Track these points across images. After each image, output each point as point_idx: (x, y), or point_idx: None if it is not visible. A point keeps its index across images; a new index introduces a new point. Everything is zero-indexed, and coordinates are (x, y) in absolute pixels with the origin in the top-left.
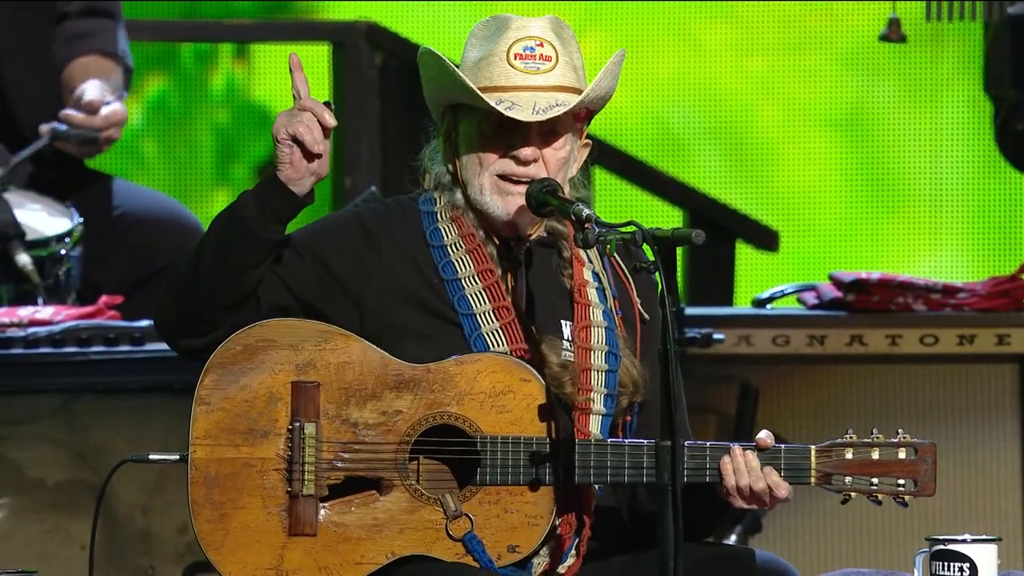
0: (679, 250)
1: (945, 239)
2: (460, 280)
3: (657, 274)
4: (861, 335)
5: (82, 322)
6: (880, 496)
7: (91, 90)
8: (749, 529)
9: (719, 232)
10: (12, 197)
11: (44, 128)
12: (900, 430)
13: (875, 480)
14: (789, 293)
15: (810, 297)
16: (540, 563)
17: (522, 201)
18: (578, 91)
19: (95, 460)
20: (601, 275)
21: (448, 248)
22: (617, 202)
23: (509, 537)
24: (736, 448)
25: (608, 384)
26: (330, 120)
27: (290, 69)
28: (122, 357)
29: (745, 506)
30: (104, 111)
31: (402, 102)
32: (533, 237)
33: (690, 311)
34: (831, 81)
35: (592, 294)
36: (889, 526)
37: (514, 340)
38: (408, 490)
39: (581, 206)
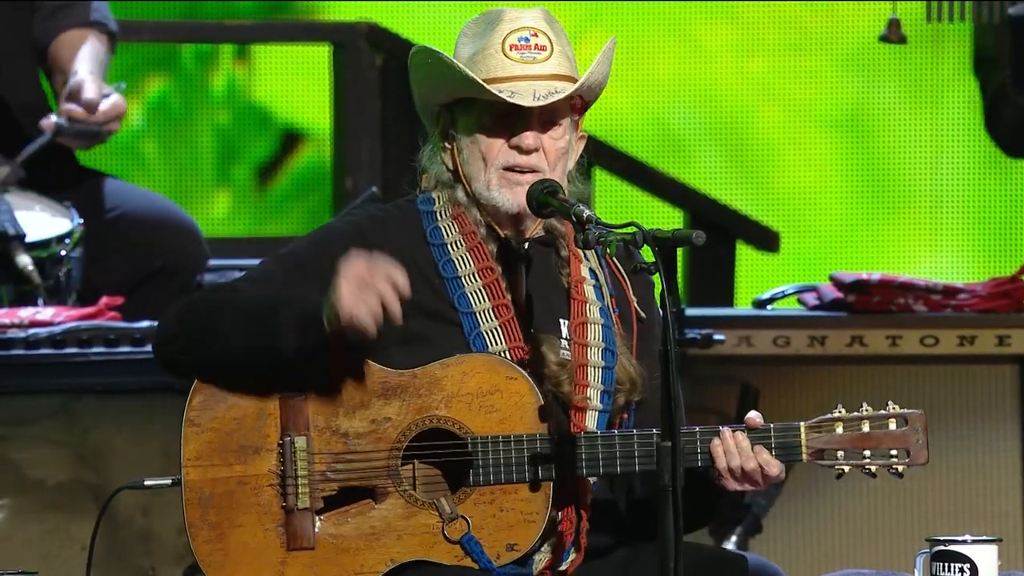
0: (679, 251)
1: (945, 240)
2: (460, 278)
3: (657, 275)
4: (862, 336)
5: (83, 323)
6: (874, 468)
7: (89, 88)
8: (749, 530)
9: (719, 233)
10: (12, 198)
11: (46, 124)
12: (889, 402)
13: (867, 452)
14: (790, 294)
15: (810, 298)
16: (541, 560)
17: None
18: (573, 79)
19: (95, 461)
20: (598, 272)
21: (448, 246)
22: (617, 203)
23: (507, 536)
24: (726, 430)
25: (605, 381)
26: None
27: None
28: (122, 358)
29: (738, 487)
30: (103, 106)
31: (403, 102)
32: (532, 236)
33: (690, 312)
34: (831, 82)
35: (589, 291)
36: (889, 527)
37: (513, 339)
38: (403, 496)
39: (582, 207)
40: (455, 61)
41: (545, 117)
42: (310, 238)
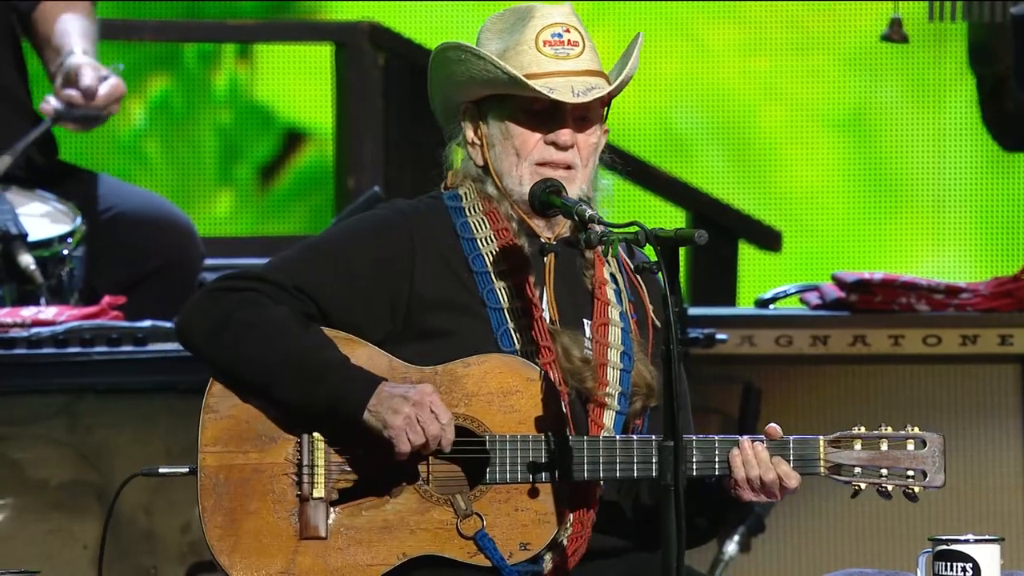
0: (682, 250)
1: (948, 239)
2: (490, 273)
3: (660, 274)
4: (864, 335)
5: (85, 323)
6: (889, 488)
7: (86, 74)
8: (752, 530)
9: (722, 232)
10: (14, 197)
11: (45, 108)
12: (908, 425)
13: (884, 471)
14: (792, 293)
15: (813, 297)
16: (551, 559)
17: None
18: (602, 75)
19: (97, 460)
20: (618, 277)
21: (479, 241)
22: (620, 202)
23: (520, 535)
24: (745, 440)
25: (623, 383)
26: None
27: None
28: (125, 358)
29: (754, 498)
30: (102, 90)
31: (405, 102)
32: (560, 235)
33: (693, 311)
34: (835, 81)
35: (610, 294)
36: (892, 526)
37: (541, 337)
38: (418, 491)
39: (584, 206)
40: (493, 57)
41: (578, 113)
42: (343, 230)
